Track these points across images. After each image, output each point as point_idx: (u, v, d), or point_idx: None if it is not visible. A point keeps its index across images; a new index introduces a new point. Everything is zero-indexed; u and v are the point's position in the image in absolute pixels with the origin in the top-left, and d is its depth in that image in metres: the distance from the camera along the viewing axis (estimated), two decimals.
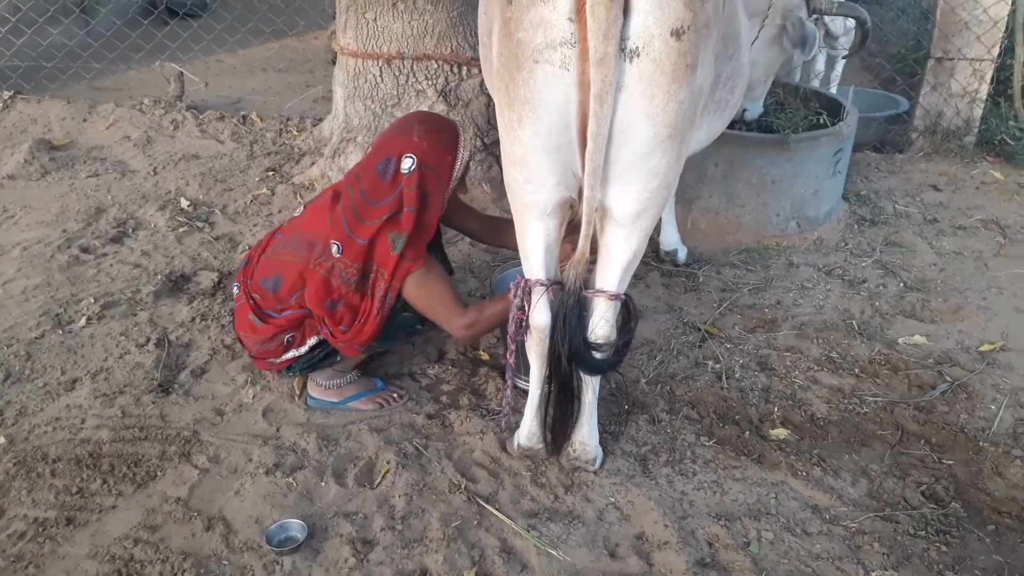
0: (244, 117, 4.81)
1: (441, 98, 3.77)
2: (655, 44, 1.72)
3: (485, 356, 3.00)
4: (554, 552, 2.16)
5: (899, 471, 2.52)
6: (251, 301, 2.52)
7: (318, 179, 4.01)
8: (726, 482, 2.44)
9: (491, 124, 3.94)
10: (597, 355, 2.15)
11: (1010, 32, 4.28)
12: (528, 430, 2.41)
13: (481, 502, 2.32)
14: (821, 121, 3.62)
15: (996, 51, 4.25)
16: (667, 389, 2.83)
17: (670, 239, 3.56)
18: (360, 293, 2.42)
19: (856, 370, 2.97)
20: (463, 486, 2.38)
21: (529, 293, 2.14)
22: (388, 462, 2.46)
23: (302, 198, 3.98)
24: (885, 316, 3.29)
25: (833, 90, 4.66)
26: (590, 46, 1.69)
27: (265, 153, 4.50)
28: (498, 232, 2.80)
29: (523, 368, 2.75)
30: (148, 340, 2.99)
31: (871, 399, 2.81)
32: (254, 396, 2.75)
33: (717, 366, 2.95)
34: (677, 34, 1.72)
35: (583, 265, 2.06)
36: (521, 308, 2.16)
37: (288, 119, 4.81)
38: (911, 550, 2.22)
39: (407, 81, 3.77)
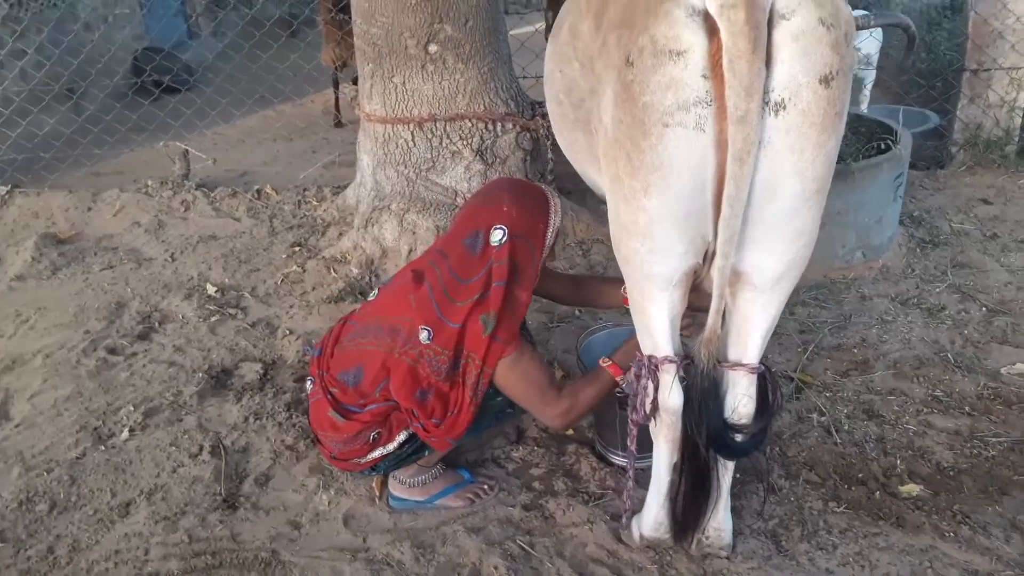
0: (258, 191, 4.60)
1: (478, 157, 3.59)
2: (803, 94, 1.53)
3: (570, 432, 2.78)
4: None
5: None
6: (329, 396, 2.29)
7: (350, 251, 3.80)
8: (871, 553, 2.22)
9: (529, 179, 3.76)
10: (738, 437, 1.93)
11: None
12: (655, 520, 2.17)
13: None
14: (881, 146, 3.47)
15: None
16: (777, 451, 2.61)
17: None
18: (451, 382, 2.19)
19: (967, 408, 2.77)
20: None
21: (656, 371, 1.92)
22: (495, 568, 2.21)
23: (336, 272, 3.76)
24: (978, 345, 3.11)
25: (864, 109, 4.54)
26: (729, 104, 1.50)
27: (287, 227, 4.29)
28: (584, 291, 2.59)
29: (620, 444, 2.54)
30: (201, 448, 2.74)
31: (994, 440, 2.61)
32: (330, 502, 2.50)
33: (823, 419, 2.74)
34: (826, 81, 1.54)
35: (715, 342, 1.86)
36: (645, 389, 1.94)
37: (305, 190, 4.60)
38: None
39: (441, 143, 3.58)
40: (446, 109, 3.52)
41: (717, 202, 1.66)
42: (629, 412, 2.05)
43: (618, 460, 2.60)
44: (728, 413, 1.94)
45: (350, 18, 5.22)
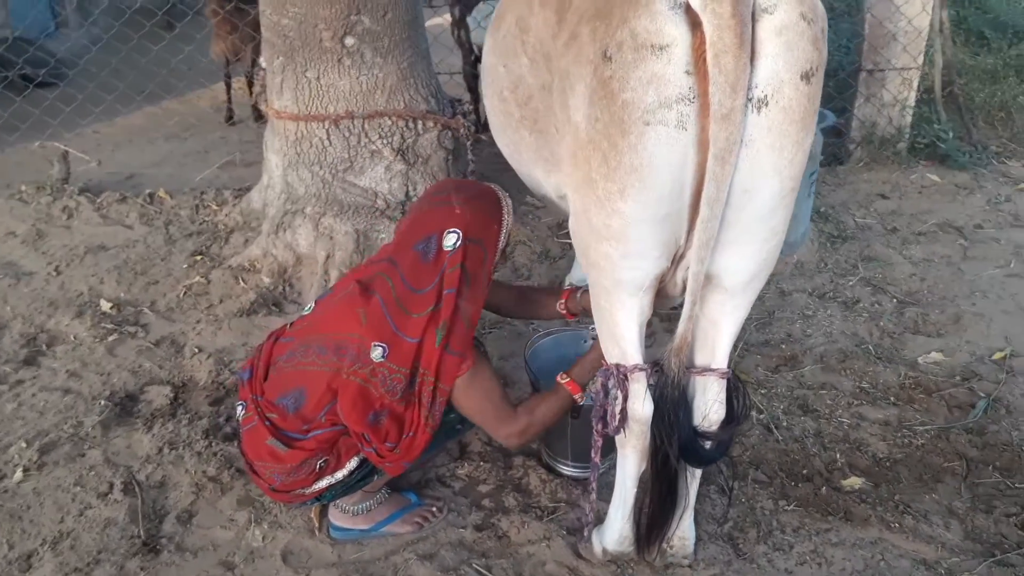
0: (151, 196, 4.24)
1: (399, 157, 3.43)
2: (785, 91, 1.49)
3: None
4: None
5: (983, 504, 2.40)
6: (267, 423, 2.09)
7: (260, 259, 3.55)
8: (825, 550, 2.24)
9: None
10: (707, 444, 1.89)
11: (931, 40, 4.42)
12: (619, 533, 2.10)
13: None
14: None
15: (921, 59, 4.38)
16: None
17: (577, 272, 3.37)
18: (406, 401, 2.05)
19: (892, 398, 2.86)
20: None
21: (625, 380, 1.85)
22: None
23: (245, 283, 3.50)
24: (894, 336, 3.22)
25: None
26: (713, 101, 1.44)
27: (185, 235, 3.97)
28: (526, 303, 2.49)
29: (571, 454, 2.47)
30: (111, 486, 2.47)
31: (921, 429, 2.70)
32: (264, 537, 2.30)
33: (761, 416, 2.76)
34: (807, 77, 1.50)
35: (686, 349, 1.81)
36: (615, 399, 1.87)
37: (203, 193, 4.28)
38: None
39: (359, 142, 3.40)
40: (364, 106, 3.34)
41: (694, 204, 1.60)
42: (595, 423, 1.97)
43: (567, 471, 2.52)
44: (698, 420, 1.89)
45: (241, 8, 4.95)
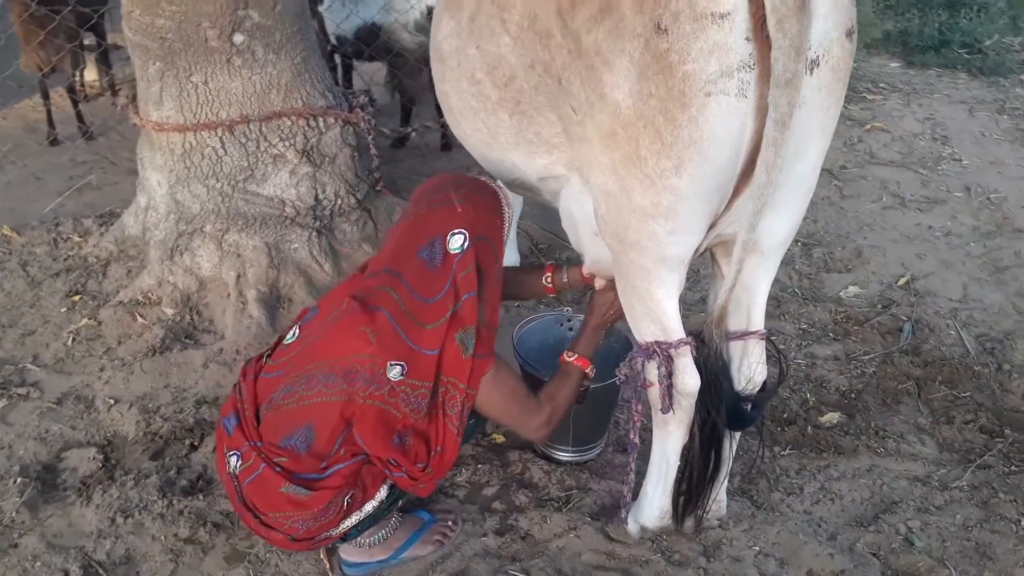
0: None
1: (304, 158, 3.16)
2: (834, 50, 1.51)
3: (500, 439, 2.59)
4: None
5: (943, 417, 2.63)
6: (277, 470, 1.87)
7: (155, 289, 3.16)
8: (831, 485, 2.35)
9: (359, 177, 3.40)
10: (749, 406, 1.91)
11: None
12: (660, 508, 2.08)
13: None
14: None
15: None
16: None
17: None
18: (428, 417, 1.90)
19: (831, 335, 3.06)
20: None
21: (670, 358, 1.82)
22: None
23: (144, 318, 3.10)
24: (811, 277, 3.43)
25: None
26: (776, 66, 1.43)
27: (50, 275, 3.45)
28: (512, 283, 2.33)
29: (571, 439, 2.42)
30: (67, 574, 2.12)
31: (867, 358, 2.91)
32: None
33: None
34: (850, 35, 1.53)
35: (726, 319, 1.81)
36: (663, 376, 1.83)
37: (57, 225, 3.73)
38: (1017, 481, 2.31)
39: (258, 148, 3.09)
40: (260, 108, 3.05)
41: (744, 172, 1.59)
42: (633, 404, 1.93)
43: (566, 456, 2.47)
44: (742, 384, 1.91)
45: (53, 12, 4.35)
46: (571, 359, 2.08)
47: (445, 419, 1.91)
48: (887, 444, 2.50)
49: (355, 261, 3.37)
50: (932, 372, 2.81)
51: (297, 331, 2.02)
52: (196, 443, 2.58)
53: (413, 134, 4.51)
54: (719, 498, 2.12)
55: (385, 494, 1.95)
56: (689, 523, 2.14)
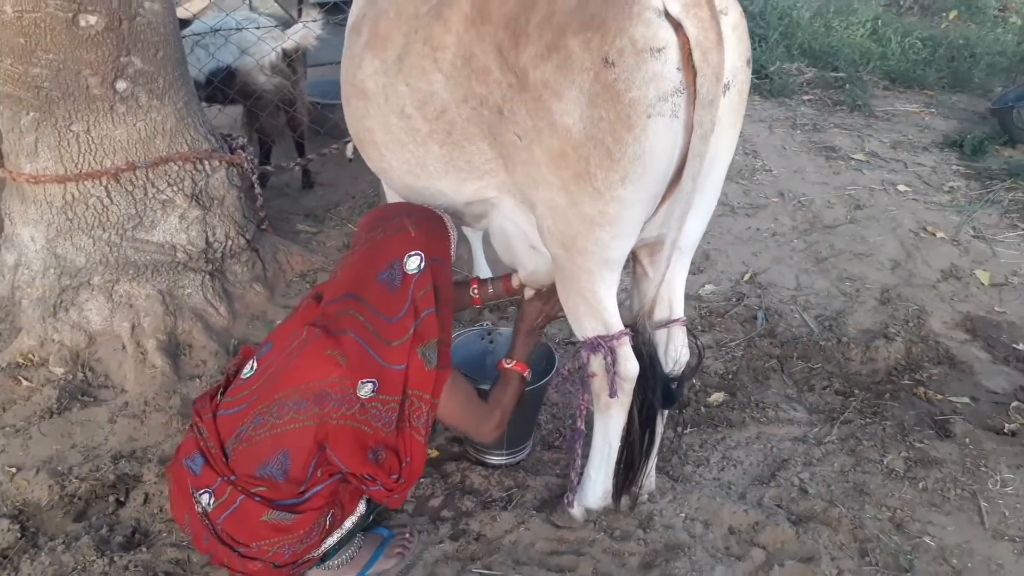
0: None
1: (193, 202, 3.13)
2: (738, 75, 1.84)
3: (435, 453, 2.72)
4: None
5: (805, 387, 3.07)
6: (257, 499, 1.91)
7: (37, 350, 2.99)
8: (731, 453, 2.70)
9: (247, 218, 3.41)
10: (676, 386, 2.20)
11: None
12: (603, 490, 2.32)
13: None
14: None
15: None
16: None
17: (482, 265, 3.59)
18: (397, 430, 2.02)
19: (701, 327, 3.45)
20: None
21: (613, 349, 2.07)
22: None
23: (29, 381, 2.93)
24: None
25: None
26: (701, 91, 1.73)
27: None
28: None
29: (504, 443, 2.61)
30: None
31: (732, 344, 3.32)
32: None
33: None
34: (748, 63, 1.87)
35: (655, 311, 2.10)
36: (609, 366, 2.08)
37: None
38: (874, 429, 2.78)
39: (146, 194, 3.03)
40: (146, 154, 3.00)
41: (672, 182, 1.88)
42: (580, 395, 2.16)
43: (499, 460, 2.65)
44: (670, 366, 2.19)
45: None
46: (510, 365, 2.28)
47: (411, 431, 2.04)
48: (767, 413, 2.89)
49: (248, 302, 3.38)
50: (788, 350, 3.27)
51: (255, 364, 2.07)
52: (122, 498, 2.50)
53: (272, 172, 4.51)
54: (651, 473, 2.39)
55: (364, 509, 2.04)
56: (625, 501, 2.39)
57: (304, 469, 1.94)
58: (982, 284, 3.77)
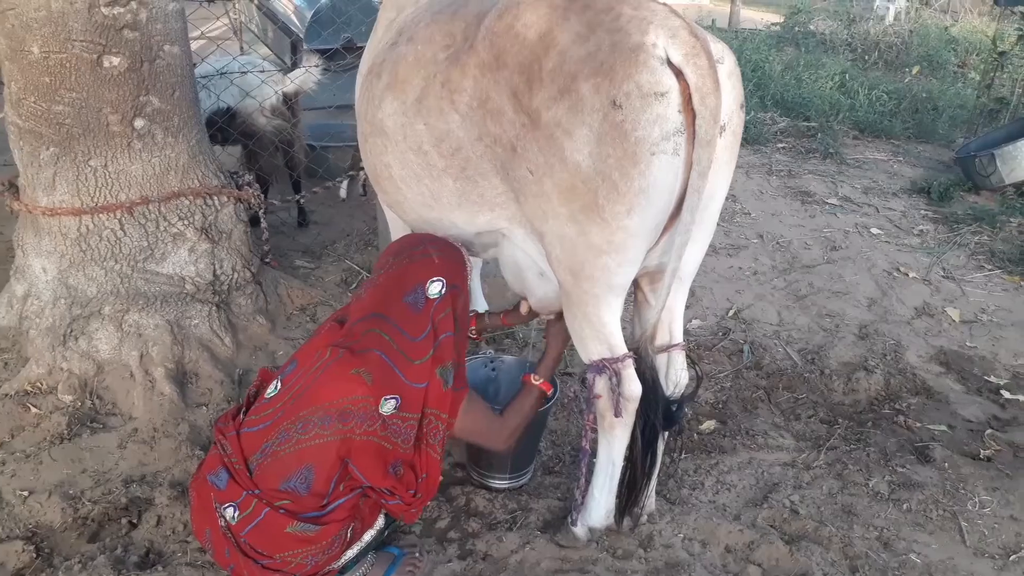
0: None
1: (203, 236, 3.24)
2: (733, 118, 2.02)
3: None
4: None
5: (792, 415, 3.22)
6: (281, 512, 1.99)
7: (45, 378, 3.05)
8: (725, 477, 2.82)
9: (252, 252, 3.52)
10: (676, 408, 2.32)
11: None
12: (606, 509, 2.42)
13: None
14: None
15: None
16: None
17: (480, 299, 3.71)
18: (415, 447, 2.13)
19: (689, 360, 3.55)
20: None
21: (617, 371, 2.20)
22: None
23: (38, 408, 2.98)
24: None
25: None
26: (700, 131, 1.90)
27: None
28: None
29: (509, 467, 2.70)
30: None
31: (721, 376, 3.47)
32: None
33: None
34: (742, 107, 2.05)
35: (656, 336, 2.24)
36: (614, 388, 2.20)
37: None
38: (859, 455, 2.92)
39: (158, 228, 3.13)
40: (159, 189, 3.12)
41: (673, 214, 2.04)
42: (586, 416, 2.28)
43: (503, 484, 2.74)
44: (670, 389, 2.32)
45: None
46: (537, 382, 2.39)
47: (428, 448, 2.14)
48: (757, 440, 3.02)
49: (251, 333, 3.47)
50: (774, 381, 3.42)
51: (279, 384, 2.17)
52: (135, 521, 2.55)
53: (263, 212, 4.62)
54: (650, 493, 2.50)
55: (383, 523, 2.13)
56: (627, 521, 2.49)
57: (327, 483, 2.03)
58: (953, 321, 3.96)
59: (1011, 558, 2.47)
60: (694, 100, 1.88)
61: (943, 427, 3.12)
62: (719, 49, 1.97)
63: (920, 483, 2.77)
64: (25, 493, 2.63)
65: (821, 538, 2.52)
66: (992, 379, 3.46)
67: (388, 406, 2.05)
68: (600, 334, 2.19)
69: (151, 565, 2.38)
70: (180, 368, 3.16)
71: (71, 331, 3.09)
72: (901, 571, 2.40)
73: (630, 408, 2.24)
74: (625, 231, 1.99)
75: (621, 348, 2.21)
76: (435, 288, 2.13)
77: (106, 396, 3.08)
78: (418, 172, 2.37)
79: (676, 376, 2.34)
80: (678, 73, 1.88)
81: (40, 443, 2.85)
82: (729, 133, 2.02)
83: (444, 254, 2.19)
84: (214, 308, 3.31)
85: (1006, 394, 3.34)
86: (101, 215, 3.04)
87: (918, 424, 3.12)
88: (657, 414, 2.26)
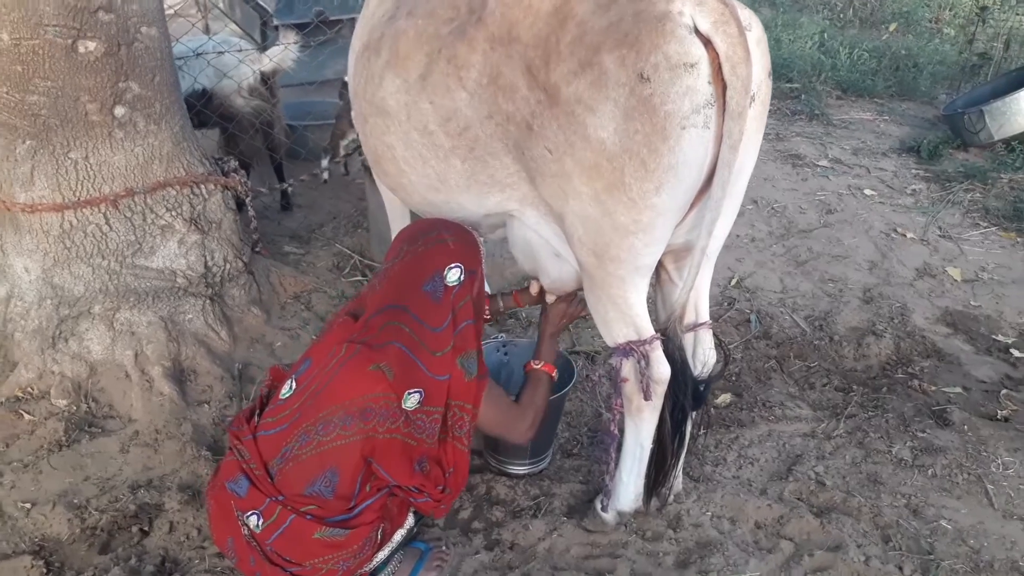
0: None
1: (192, 226, 3.10)
2: (763, 87, 1.93)
3: None
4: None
5: (806, 384, 3.18)
6: (308, 518, 1.91)
7: (35, 382, 2.92)
8: (748, 451, 2.78)
9: (243, 241, 3.39)
10: (703, 387, 2.26)
11: None
12: (635, 492, 2.36)
13: None
14: None
15: None
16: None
17: None
18: (439, 441, 2.04)
19: None
20: None
21: (646, 354, 2.13)
22: None
23: (31, 414, 2.85)
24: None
25: None
26: (731, 103, 1.81)
27: None
28: None
29: (526, 453, 2.64)
30: None
31: (732, 347, 3.41)
32: None
33: None
34: (770, 75, 1.96)
35: (684, 316, 2.17)
36: (643, 370, 2.13)
37: None
38: (878, 422, 2.89)
39: (145, 220, 2.99)
40: (144, 180, 2.97)
41: (701, 190, 1.95)
42: (613, 400, 2.21)
43: (521, 470, 2.68)
44: (698, 369, 2.26)
45: None
46: (539, 366, 2.32)
47: (454, 440, 2.06)
48: (774, 412, 2.98)
49: (246, 325, 3.35)
50: (785, 350, 3.38)
51: (293, 384, 2.07)
52: (146, 528, 2.45)
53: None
54: (677, 474, 2.45)
55: (412, 521, 2.05)
56: (654, 502, 2.44)
57: (352, 485, 1.94)
58: (955, 280, 3.95)
59: None
60: (724, 70, 1.78)
61: (958, 389, 3.10)
62: (747, 16, 1.87)
63: (942, 447, 2.75)
64: (28, 505, 2.52)
65: (851, 509, 2.49)
66: (1000, 338, 3.45)
67: (411, 401, 1.96)
68: (626, 316, 2.12)
69: (168, 574, 2.29)
70: (177, 366, 3.04)
71: (60, 332, 2.96)
72: (933, 538, 2.38)
73: (659, 391, 2.18)
74: (653, 210, 1.91)
75: (648, 330, 2.13)
76: (454, 275, 2.04)
77: (102, 399, 2.96)
78: (423, 153, 2.26)
79: (704, 355, 2.27)
80: (706, 42, 1.78)
81: (38, 451, 2.73)
82: (758, 103, 1.93)
83: (459, 239, 2.09)
84: (208, 301, 3.18)
85: (1016, 352, 3.33)
86: (84, 210, 2.89)
87: (933, 387, 3.10)
88: (687, 395, 2.19)
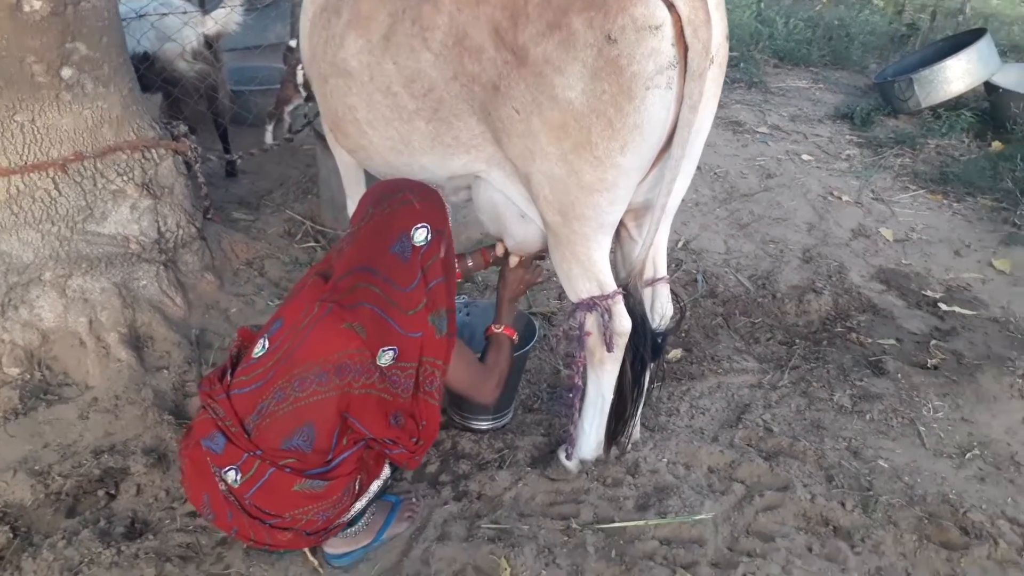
0: None
1: (144, 191, 3.05)
2: (721, 50, 2.01)
3: None
4: (695, 518, 2.36)
5: (751, 339, 3.33)
6: (287, 471, 1.95)
7: None
8: (698, 402, 2.92)
9: (195, 207, 3.35)
10: (660, 339, 2.37)
11: None
12: (596, 441, 2.47)
13: (600, 527, 2.34)
14: None
15: None
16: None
17: None
18: (412, 396, 2.10)
19: None
20: (570, 528, 2.35)
21: (608, 308, 2.21)
22: (492, 554, 2.25)
23: None
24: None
25: None
26: (692, 64, 1.89)
27: None
28: None
29: (484, 409, 2.70)
30: None
31: (680, 305, 3.53)
32: None
33: None
34: (727, 37, 2.04)
35: (644, 271, 2.27)
36: (605, 324, 2.22)
37: None
38: (820, 372, 3.07)
39: (95, 185, 2.92)
40: (93, 144, 2.91)
41: (662, 149, 2.04)
42: (577, 352, 2.30)
43: (484, 425, 2.76)
44: (656, 321, 2.36)
45: None
46: (499, 330, 2.39)
47: (425, 395, 2.12)
48: (723, 365, 3.13)
49: (200, 291, 3.33)
50: (731, 308, 3.53)
51: (266, 343, 2.10)
52: (112, 492, 2.46)
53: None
54: (635, 422, 2.56)
55: (388, 472, 2.11)
56: (614, 450, 2.55)
57: (329, 439, 1.99)
58: (888, 240, 4.16)
59: (966, 456, 2.66)
60: (686, 32, 1.86)
61: (892, 341, 3.29)
62: None
63: (878, 394, 2.93)
64: None
65: (796, 452, 2.64)
66: (929, 293, 3.67)
67: (386, 357, 2.01)
68: (590, 272, 2.20)
69: (139, 535, 2.31)
70: (133, 332, 3.01)
71: (9, 300, 2.90)
72: (872, 476, 2.55)
73: (621, 343, 2.27)
74: (618, 168, 1.98)
75: (611, 285, 2.22)
76: (420, 235, 2.08)
77: (55, 367, 2.92)
78: (386, 115, 2.28)
79: (662, 308, 2.37)
80: (670, 5, 1.85)
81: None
82: (716, 65, 2.01)
83: (424, 199, 2.13)
84: (161, 267, 3.15)
85: (943, 306, 3.55)
86: (32, 175, 2.83)
87: (869, 340, 3.29)
88: (646, 346, 2.30)
